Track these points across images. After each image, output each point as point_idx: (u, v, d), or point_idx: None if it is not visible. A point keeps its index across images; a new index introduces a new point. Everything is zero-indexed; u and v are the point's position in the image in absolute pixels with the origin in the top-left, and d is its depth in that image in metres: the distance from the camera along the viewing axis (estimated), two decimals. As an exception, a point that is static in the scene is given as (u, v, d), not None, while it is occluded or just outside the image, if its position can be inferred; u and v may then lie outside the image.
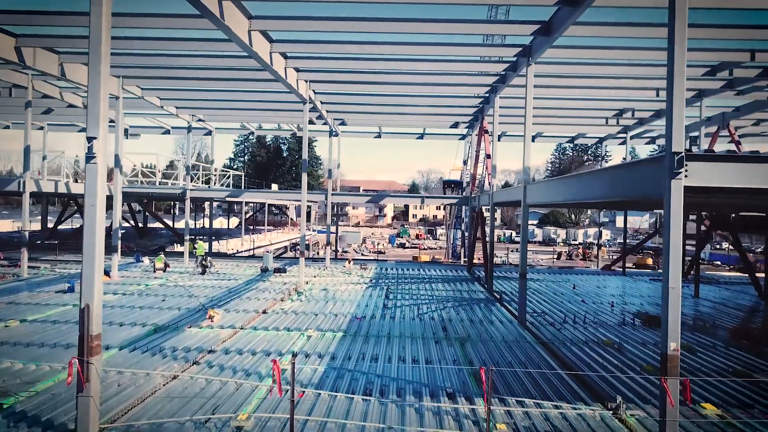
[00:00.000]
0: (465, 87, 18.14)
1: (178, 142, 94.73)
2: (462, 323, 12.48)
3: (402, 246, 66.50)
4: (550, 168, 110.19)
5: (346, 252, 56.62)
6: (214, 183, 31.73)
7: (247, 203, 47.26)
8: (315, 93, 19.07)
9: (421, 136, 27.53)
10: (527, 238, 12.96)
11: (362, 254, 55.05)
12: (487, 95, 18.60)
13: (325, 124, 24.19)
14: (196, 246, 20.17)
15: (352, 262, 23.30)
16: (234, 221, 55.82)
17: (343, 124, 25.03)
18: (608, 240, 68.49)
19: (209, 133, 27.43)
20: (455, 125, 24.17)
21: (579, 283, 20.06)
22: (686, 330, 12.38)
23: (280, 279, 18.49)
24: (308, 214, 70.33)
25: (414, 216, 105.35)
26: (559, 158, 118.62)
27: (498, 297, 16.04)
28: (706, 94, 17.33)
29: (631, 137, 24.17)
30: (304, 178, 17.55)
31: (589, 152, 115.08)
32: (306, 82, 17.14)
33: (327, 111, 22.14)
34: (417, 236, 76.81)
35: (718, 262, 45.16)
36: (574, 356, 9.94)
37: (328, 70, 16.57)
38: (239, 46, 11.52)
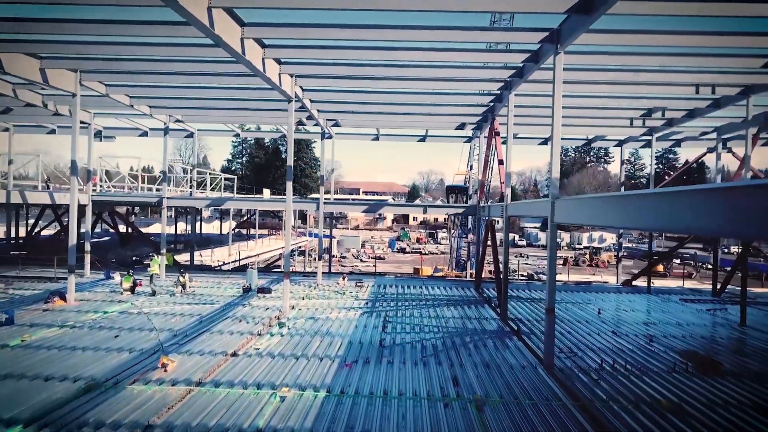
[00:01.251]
0: (474, 83, 15.83)
1: (175, 143, 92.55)
2: (476, 369, 10.16)
3: (402, 251, 64.19)
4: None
5: (344, 257, 54.29)
6: (205, 187, 29.44)
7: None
8: (303, 90, 16.75)
9: (422, 139, 25.12)
10: (555, 263, 10.60)
11: (361, 259, 52.84)
12: (500, 92, 16.27)
13: (316, 125, 21.86)
14: (151, 261, 17.93)
15: (346, 279, 20.98)
16: (232, 223, 53.31)
17: (336, 125, 22.67)
18: (613, 244, 66.25)
19: (191, 135, 25.09)
20: (461, 126, 21.79)
21: (601, 304, 17.75)
22: (753, 379, 10.06)
23: (262, 302, 16.15)
24: (305, 216, 67.92)
25: (415, 219, 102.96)
26: (561, 159, 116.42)
27: (515, 328, 13.69)
28: (754, 91, 15.01)
29: (657, 139, 21.76)
30: (289, 186, 15.21)
31: (591, 154, 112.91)
32: (291, 77, 14.81)
33: (318, 111, 19.79)
34: (418, 240, 74.44)
35: (729, 269, 42.41)
36: (625, 427, 7.61)
37: (317, 62, 14.25)
38: (198, 29, 9.20)
